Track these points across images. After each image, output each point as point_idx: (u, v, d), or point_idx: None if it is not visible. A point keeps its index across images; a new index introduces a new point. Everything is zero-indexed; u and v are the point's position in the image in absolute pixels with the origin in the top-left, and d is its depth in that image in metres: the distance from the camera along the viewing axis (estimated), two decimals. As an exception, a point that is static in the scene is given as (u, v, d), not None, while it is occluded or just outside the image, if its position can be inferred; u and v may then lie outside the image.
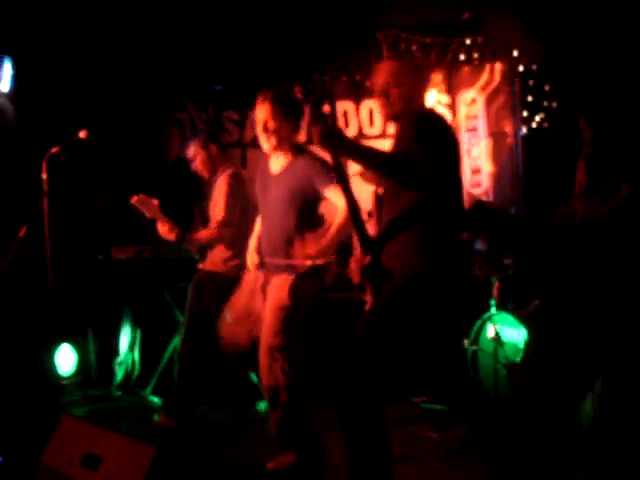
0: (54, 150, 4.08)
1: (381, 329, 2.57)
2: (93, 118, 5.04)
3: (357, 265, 2.78)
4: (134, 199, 3.95)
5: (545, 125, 5.36)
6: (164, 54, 5.59)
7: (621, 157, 2.32)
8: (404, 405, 4.51)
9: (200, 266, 4.35)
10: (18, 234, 3.72)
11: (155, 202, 3.99)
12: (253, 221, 3.71)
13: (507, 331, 4.39)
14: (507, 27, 5.29)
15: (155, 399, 4.86)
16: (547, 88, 5.36)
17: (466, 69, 5.57)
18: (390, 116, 2.87)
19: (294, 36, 5.46)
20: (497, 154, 5.52)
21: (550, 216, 2.59)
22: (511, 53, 5.44)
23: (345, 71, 5.59)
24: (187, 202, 4.92)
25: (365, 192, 3.68)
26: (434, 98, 5.61)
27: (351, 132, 5.65)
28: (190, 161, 4.34)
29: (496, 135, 5.53)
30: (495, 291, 4.58)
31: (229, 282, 3.91)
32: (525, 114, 5.42)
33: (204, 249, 4.29)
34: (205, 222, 4.34)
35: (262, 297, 3.48)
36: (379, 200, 2.91)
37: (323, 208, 3.47)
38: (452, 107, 5.63)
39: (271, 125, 3.38)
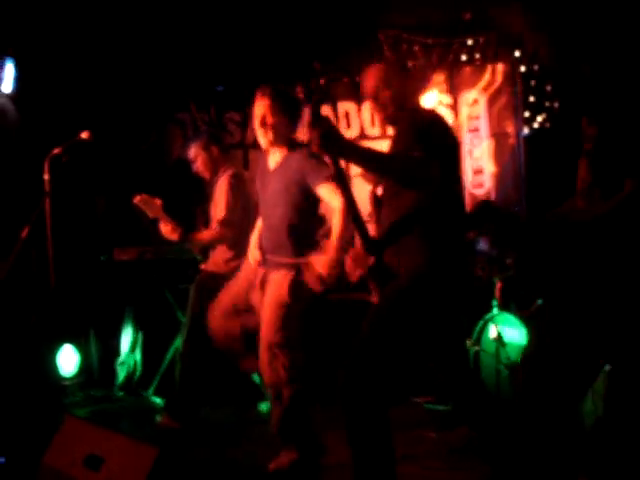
0: (56, 151, 4.08)
1: (385, 329, 2.57)
2: (95, 119, 5.04)
3: (355, 262, 2.78)
4: (137, 199, 3.96)
5: (547, 125, 5.36)
6: (166, 55, 5.59)
7: (624, 153, 2.32)
8: (406, 406, 4.50)
9: (202, 267, 4.36)
10: (20, 235, 3.72)
11: (158, 202, 4.00)
12: (255, 221, 3.72)
13: (509, 331, 4.39)
14: (510, 26, 5.28)
15: (157, 400, 4.87)
16: (549, 88, 5.35)
17: (468, 69, 5.57)
18: (385, 119, 2.87)
19: (296, 37, 5.46)
20: (499, 155, 5.51)
21: (551, 213, 2.59)
22: (513, 53, 5.44)
23: (347, 72, 5.58)
24: (189, 203, 4.92)
25: (365, 193, 3.67)
26: (436, 98, 5.61)
27: (353, 133, 5.65)
28: (191, 162, 4.34)
29: (498, 136, 5.53)
30: (497, 292, 4.58)
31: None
32: (527, 114, 5.42)
33: (206, 250, 4.30)
34: (207, 223, 4.34)
35: (261, 293, 3.47)
36: (377, 201, 2.91)
37: (324, 208, 3.48)
38: (454, 108, 5.63)
39: (269, 120, 3.39)
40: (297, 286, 3.35)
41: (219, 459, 3.70)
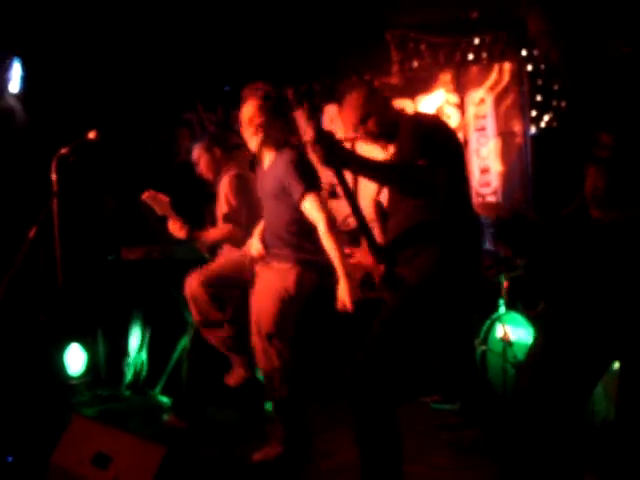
0: (64, 151, 4.09)
1: (395, 328, 2.57)
2: (103, 119, 5.05)
3: (363, 260, 2.78)
4: (145, 195, 3.97)
5: (554, 125, 5.34)
6: (173, 55, 5.60)
7: None
8: (414, 405, 4.50)
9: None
10: (28, 235, 3.73)
11: (166, 199, 4.01)
12: (259, 220, 3.73)
13: (516, 331, 4.39)
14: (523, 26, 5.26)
15: (164, 399, 4.88)
16: (556, 87, 5.33)
17: (475, 69, 5.56)
18: (385, 144, 2.83)
19: (303, 36, 5.46)
20: (506, 154, 5.50)
21: (562, 217, 2.57)
22: (520, 52, 5.42)
23: (354, 71, 5.58)
24: (197, 203, 4.92)
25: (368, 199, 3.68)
26: (442, 98, 5.61)
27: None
28: (195, 164, 4.35)
29: (505, 135, 5.51)
30: (504, 291, 4.57)
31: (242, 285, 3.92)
32: (534, 114, 5.41)
33: (214, 249, 4.30)
34: (214, 223, 4.35)
35: (258, 282, 3.51)
36: (381, 209, 2.91)
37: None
38: (461, 107, 5.62)
39: (257, 121, 3.39)
40: (301, 281, 3.37)
41: (226, 458, 3.70)
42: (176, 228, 4.01)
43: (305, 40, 5.47)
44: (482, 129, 5.57)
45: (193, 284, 3.63)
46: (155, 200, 3.99)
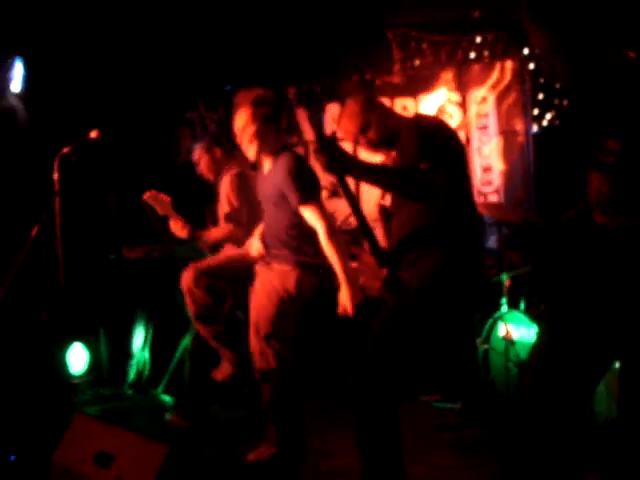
0: (65, 150, 4.09)
1: (396, 330, 2.57)
2: (104, 118, 5.05)
3: (369, 262, 2.78)
4: (146, 195, 3.97)
5: (556, 123, 5.34)
6: (175, 54, 5.61)
7: None
8: (415, 404, 4.50)
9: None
10: (30, 234, 3.73)
11: (167, 199, 4.01)
12: (260, 220, 3.73)
13: (518, 330, 4.38)
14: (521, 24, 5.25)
15: (166, 398, 4.88)
16: (558, 86, 5.33)
17: (476, 67, 5.56)
18: (387, 151, 2.82)
19: (304, 35, 5.46)
20: (508, 152, 5.50)
21: (564, 224, 2.57)
22: (521, 51, 5.42)
23: (355, 70, 5.58)
24: (199, 202, 4.93)
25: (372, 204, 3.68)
26: (444, 96, 5.60)
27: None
28: (195, 165, 4.35)
29: (507, 133, 5.51)
30: (506, 290, 4.57)
31: (241, 281, 3.93)
32: (536, 112, 5.40)
33: (215, 248, 4.30)
34: (216, 223, 4.35)
35: (257, 281, 3.50)
36: (385, 212, 2.90)
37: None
38: (462, 105, 5.61)
39: (251, 130, 3.36)
40: (301, 284, 3.37)
41: (228, 457, 3.70)
42: (178, 228, 4.01)
43: (306, 39, 5.47)
44: (484, 127, 5.57)
45: (189, 276, 3.63)
46: (156, 200, 3.99)
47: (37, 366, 4.46)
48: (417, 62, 5.59)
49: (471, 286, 2.67)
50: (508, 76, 5.48)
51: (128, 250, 5.00)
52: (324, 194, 4.25)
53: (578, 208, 2.48)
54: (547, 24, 2.17)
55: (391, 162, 2.84)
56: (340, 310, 3.19)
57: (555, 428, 2.34)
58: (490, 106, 5.55)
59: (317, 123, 2.56)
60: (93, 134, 4.15)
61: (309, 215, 3.24)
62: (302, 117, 5.85)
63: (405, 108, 5.60)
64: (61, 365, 4.75)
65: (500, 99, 5.52)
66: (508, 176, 5.49)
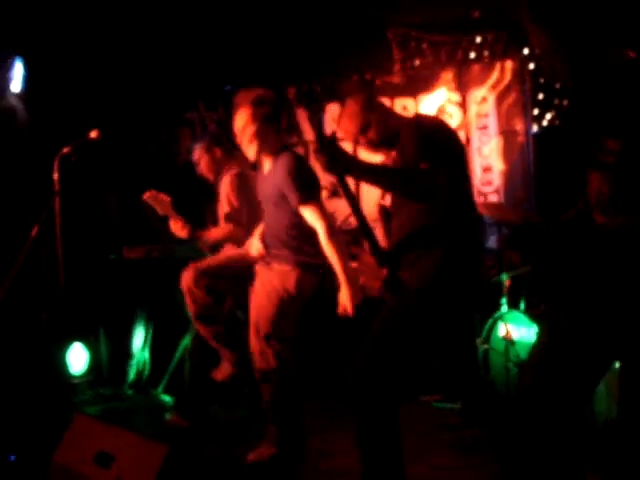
0: (65, 150, 4.09)
1: (396, 331, 2.57)
2: (104, 118, 5.05)
3: (369, 262, 2.78)
4: (146, 195, 3.97)
5: (556, 123, 5.34)
6: (174, 54, 5.61)
7: None
8: (415, 404, 4.50)
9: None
10: (30, 234, 3.73)
11: (167, 199, 4.01)
12: (260, 220, 3.74)
13: (518, 329, 4.38)
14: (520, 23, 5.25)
15: (166, 398, 4.88)
16: (558, 86, 5.32)
17: (476, 67, 5.56)
18: (388, 151, 2.82)
19: (304, 35, 5.46)
20: (508, 152, 5.49)
21: (564, 224, 2.56)
22: (522, 51, 5.41)
23: (355, 70, 5.58)
24: (199, 202, 4.93)
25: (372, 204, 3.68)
26: (444, 96, 5.60)
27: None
28: (195, 165, 4.35)
29: (507, 133, 5.51)
30: (506, 290, 4.57)
31: (241, 281, 3.93)
32: (536, 112, 5.40)
33: (216, 248, 4.30)
34: (216, 223, 4.35)
35: (258, 282, 3.51)
36: (385, 212, 2.90)
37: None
38: (462, 105, 5.61)
39: (251, 130, 3.36)
40: (301, 284, 3.37)
41: (228, 457, 3.70)
42: (177, 228, 4.01)
43: (306, 39, 5.47)
44: (484, 127, 5.57)
45: (189, 276, 3.62)
46: (156, 200, 3.99)
47: (37, 366, 4.46)
48: (417, 62, 5.59)
49: (471, 286, 2.67)
50: (508, 76, 5.48)
51: (128, 250, 5.00)
52: (324, 194, 4.25)
53: (578, 208, 2.48)
54: (547, 24, 2.17)
55: (391, 162, 2.84)
56: (340, 310, 3.19)
57: (555, 428, 2.34)
58: (490, 106, 5.55)
59: (317, 123, 2.56)
60: (93, 134, 4.15)
61: (309, 215, 3.24)
62: (302, 117, 5.85)
63: (405, 108, 5.60)
64: (61, 365, 4.75)
65: (500, 99, 5.52)
66: (508, 176, 5.49)
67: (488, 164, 5.55)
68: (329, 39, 5.44)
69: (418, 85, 5.64)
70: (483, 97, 5.56)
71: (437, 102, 5.60)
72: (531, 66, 5.41)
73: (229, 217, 4.06)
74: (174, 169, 5.84)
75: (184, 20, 5.44)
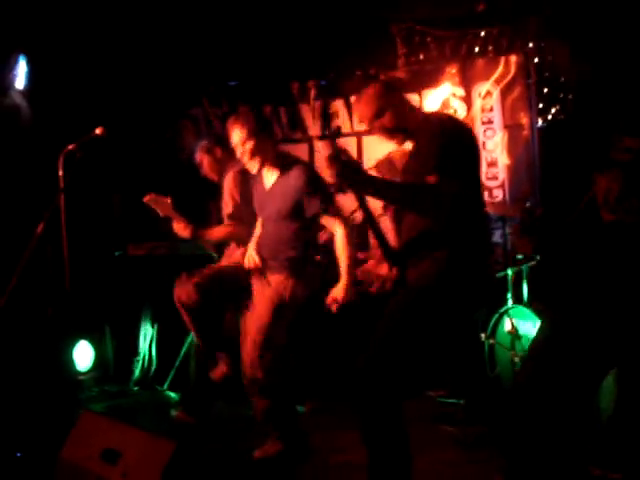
0: (70, 147, 4.09)
1: (402, 328, 2.56)
2: (109, 115, 5.05)
3: (365, 277, 2.79)
4: (146, 198, 3.96)
5: (561, 117, 5.31)
6: (179, 50, 5.60)
7: None
8: (420, 399, 4.49)
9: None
10: (35, 231, 3.73)
11: (167, 200, 4.00)
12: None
13: (524, 324, 4.37)
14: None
15: (172, 394, 4.89)
16: (563, 79, 5.30)
17: (481, 61, 5.53)
18: (401, 141, 2.79)
19: (307, 31, 5.45)
20: (513, 146, 5.47)
21: (572, 222, 2.55)
22: (527, 45, 5.39)
23: (359, 66, 5.56)
24: (204, 199, 4.93)
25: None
26: (448, 91, 5.58)
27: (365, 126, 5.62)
28: (198, 166, 4.36)
29: (512, 127, 5.49)
30: (511, 284, 4.56)
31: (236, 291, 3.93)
32: (541, 106, 5.38)
33: (220, 247, 4.30)
34: (220, 221, 4.35)
35: (258, 290, 3.52)
36: (397, 212, 2.89)
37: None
38: (467, 100, 5.59)
39: (250, 145, 3.41)
40: (296, 292, 3.41)
41: (234, 454, 3.71)
42: (180, 228, 4.01)
43: (310, 35, 5.46)
44: (489, 122, 5.55)
45: (184, 291, 3.62)
46: (157, 202, 3.98)
47: (43, 363, 4.48)
48: (421, 57, 5.57)
49: (477, 286, 2.65)
50: (513, 70, 5.45)
51: (134, 247, 5.00)
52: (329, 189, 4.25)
53: (583, 206, 2.47)
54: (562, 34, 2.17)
55: (399, 154, 2.82)
56: (328, 300, 3.27)
57: (551, 422, 2.34)
58: (495, 100, 5.52)
59: (331, 139, 2.55)
60: (98, 131, 4.15)
61: (329, 221, 3.35)
62: (306, 113, 5.84)
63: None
64: (67, 362, 4.76)
65: (505, 93, 5.49)
66: (513, 170, 5.47)
67: (493, 158, 5.53)
68: (333, 35, 5.43)
69: (422, 80, 5.62)
70: (488, 91, 5.53)
71: (441, 97, 5.58)
72: (536, 60, 5.38)
73: (232, 216, 4.06)
74: (179, 166, 5.84)
75: (188, 17, 5.43)
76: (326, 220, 3.37)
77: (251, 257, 3.58)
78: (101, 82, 5.50)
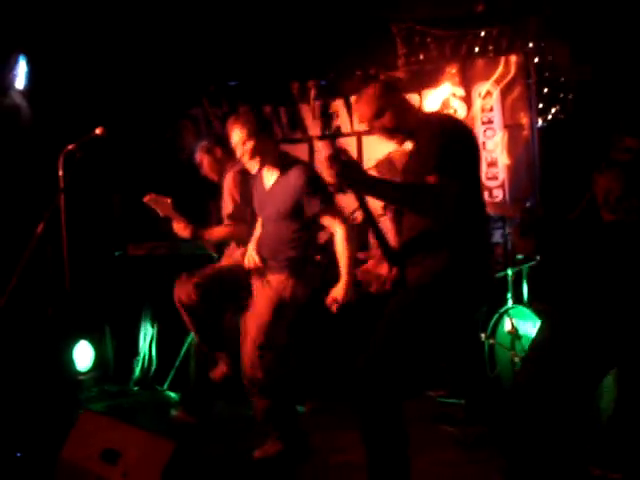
0: (70, 147, 4.10)
1: (402, 328, 2.56)
2: (109, 115, 5.05)
3: (365, 278, 2.79)
4: (146, 198, 3.96)
5: (561, 117, 5.31)
6: (178, 50, 5.60)
7: None
8: (420, 399, 4.50)
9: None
10: (35, 231, 3.73)
11: (167, 200, 4.00)
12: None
13: (524, 324, 4.38)
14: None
15: (172, 394, 4.88)
16: (563, 79, 5.30)
17: (481, 61, 5.53)
18: (401, 141, 2.78)
19: (307, 31, 5.45)
20: (513, 146, 5.47)
21: (572, 222, 2.55)
22: (527, 45, 5.39)
23: (359, 66, 5.57)
24: (204, 199, 4.93)
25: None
26: (448, 91, 5.58)
27: (364, 126, 5.62)
28: (198, 167, 4.36)
29: (512, 127, 5.49)
30: (511, 284, 4.56)
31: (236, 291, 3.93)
32: (541, 106, 5.38)
33: (220, 247, 4.30)
34: (220, 221, 4.35)
35: (258, 290, 3.53)
36: (397, 211, 2.89)
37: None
38: (467, 100, 5.59)
39: (250, 145, 3.41)
40: (296, 292, 3.41)
41: (234, 454, 3.71)
42: (180, 228, 4.01)
43: (310, 35, 5.46)
44: (489, 122, 5.55)
45: (184, 291, 3.62)
46: (157, 202, 3.98)
47: (43, 363, 4.47)
48: (421, 57, 5.57)
49: (478, 286, 2.65)
50: (513, 70, 5.45)
51: (134, 247, 5.00)
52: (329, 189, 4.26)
53: (583, 206, 2.47)
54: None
55: (399, 154, 2.82)
56: (328, 300, 3.28)
57: (550, 422, 2.34)
58: (495, 100, 5.52)
59: (330, 139, 2.56)
60: (98, 131, 4.15)
61: (329, 220, 3.35)
62: (306, 113, 5.84)
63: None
64: (67, 362, 4.76)
65: (505, 93, 5.49)
66: (513, 170, 5.47)
67: (493, 158, 5.53)
68: (333, 35, 5.43)
69: (422, 80, 5.62)
70: (488, 91, 5.53)
71: (441, 97, 5.58)
72: (536, 60, 5.38)
73: (232, 216, 4.06)
74: (179, 166, 5.84)
75: (188, 16, 5.43)
76: (326, 220, 3.37)
77: (251, 257, 3.58)
78: (101, 82, 5.50)
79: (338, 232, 3.33)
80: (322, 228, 3.61)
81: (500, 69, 5.48)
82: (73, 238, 4.39)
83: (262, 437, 3.56)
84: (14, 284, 3.31)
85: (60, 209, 4.23)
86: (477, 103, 5.57)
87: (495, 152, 5.51)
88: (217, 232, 4.14)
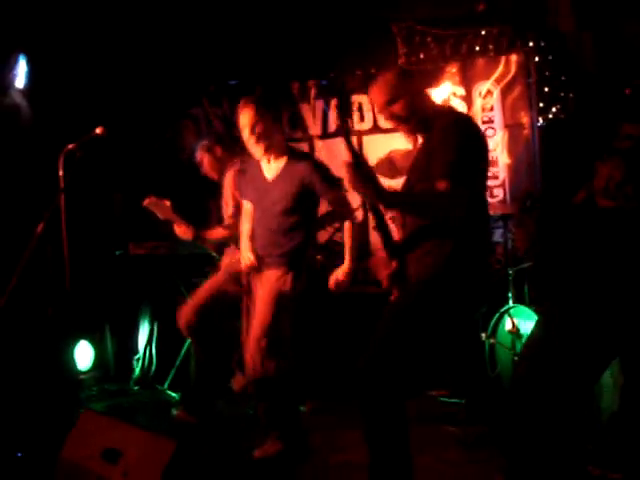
0: (70, 147, 4.09)
1: (404, 325, 2.56)
2: (109, 114, 5.05)
3: (375, 269, 2.78)
4: (146, 202, 3.96)
5: (562, 116, 5.30)
6: (179, 49, 5.60)
7: None
8: (421, 399, 4.49)
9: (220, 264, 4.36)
10: (35, 231, 3.73)
11: (167, 203, 3.99)
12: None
13: (524, 324, 4.37)
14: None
15: (173, 394, 4.88)
16: (563, 78, 5.30)
17: (481, 61, 5.52)
18: (409, 131, 2.77)
19: (308, 30, 5.45)
20: (513, 146, 5.47)
21: (571, 211, 2.55)
22: (527, 44, 5.38)
23: (360, 65, 5.56)
24: (205, 198, 4.93)
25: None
26: (449, 90, 5.57)
27: (366, 125, 5.62)
28: (199, 166, 4.36)
29: (512, 127, 5.48)
30: (512, 283, 4.55)
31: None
32: (541, 105, 5.37)
33: (221, 246, 4.30)
34: (221, 220, 4.35)
35: (258, 289, 3.53)
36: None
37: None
38: (467, 99, 5.59)
39: (258, 129, 3.38)
40: (296, 284, 3.42)
41: (234, 453, 3.71)
42: (181, 231, 4.01)
43: (310, 35, 5.45)
44: (489, 121, 5.54)
45: (186, 316, 3.66)
46: (157, 206, 3.98)
47: (44, 363, 4.47)
48: (421, 56, 5.57)
49: (478, 285, 2.65)
50: (513, 69, 5.45)
51: (135, 246, 5.00)
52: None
53: (584, 193, 2.47)
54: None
55: (400, 154, 2.82)
56: (331, 282, 3.38)
57: (547, 420, 2.34)
58: (495, 100, 5.52)
59: (349, 143, 2.54)
60: (98, 130, 4.14)
61: (339, 201, 3.42)
62: (306, 113, 5.84)
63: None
64: (67, 361, 4.76)
65: (505, 92, 5.48)
66: (514, 169, 5.46)
67: (493, 158, 5.52)
68: (333, 35, 5.43)
69: (422, 79, 5.61)
70: (488, 90, 5.53)
71: (442, 96, 5.57)
72: (536, 59, 5.37)
73: (233, 215, 4.06)
74: (179, 165, 5.84)
75: (188, 17, 5.43)
76: (334, 201, 3.43)
77: (246, 256, 3.57)
78: (101, 82, 5.49)
79: (348, 218, 3.44)
80: (322, 227, 3.61)
81: (500, 68, 5.48)
82: (73, 238, 4.38)
83: (262, 437, 3.56)
84: (14, 284, 3.30)
85: (60, 209, 4.23)
86: (477, 102, 5.56)
87: (495, 151, 5.50)
88: (218, 232, 4.14)
